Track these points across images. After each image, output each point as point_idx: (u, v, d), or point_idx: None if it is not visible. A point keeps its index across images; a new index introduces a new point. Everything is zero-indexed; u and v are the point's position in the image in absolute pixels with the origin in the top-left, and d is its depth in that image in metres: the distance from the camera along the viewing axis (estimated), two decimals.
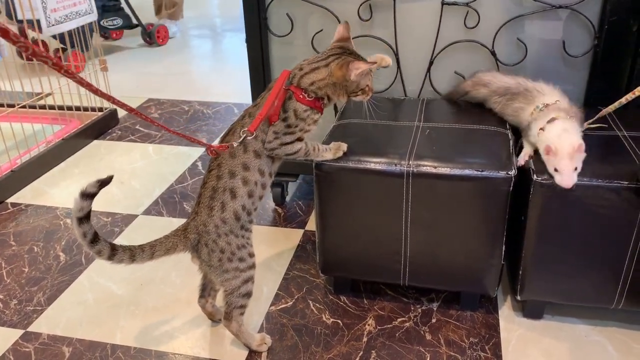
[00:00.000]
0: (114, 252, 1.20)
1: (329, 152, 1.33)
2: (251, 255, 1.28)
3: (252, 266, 1.28)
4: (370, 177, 1.29)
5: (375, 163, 1.29)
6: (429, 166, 1.26)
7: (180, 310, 1.51)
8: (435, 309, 1.48)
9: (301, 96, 1.22)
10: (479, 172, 1.23)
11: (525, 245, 1.31)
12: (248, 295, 1.28)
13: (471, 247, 1.31)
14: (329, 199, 1.35)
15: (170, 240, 1.24)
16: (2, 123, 2.20)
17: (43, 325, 1.46)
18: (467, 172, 1.24)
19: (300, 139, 1.26)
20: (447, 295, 1.51)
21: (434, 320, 1.44)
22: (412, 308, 1.48)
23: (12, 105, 2.28)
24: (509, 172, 1.23)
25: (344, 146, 1.34)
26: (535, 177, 1.24)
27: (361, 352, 1.35)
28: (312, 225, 1.85)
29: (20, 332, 1.44)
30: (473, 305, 1.45)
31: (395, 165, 1.28)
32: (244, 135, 1.19)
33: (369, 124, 1.46)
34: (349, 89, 1.23)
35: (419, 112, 1.50)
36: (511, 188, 1.23)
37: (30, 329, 1.45)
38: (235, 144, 1.20)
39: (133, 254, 1.21)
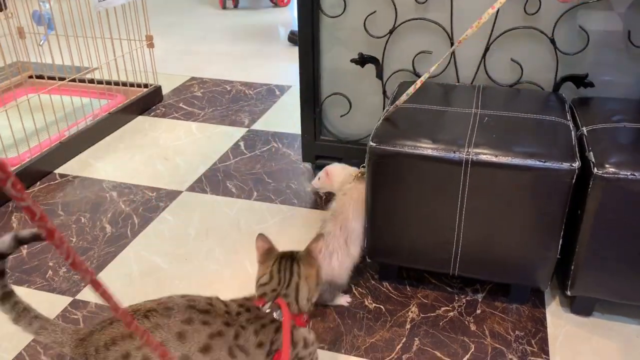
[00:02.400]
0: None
1: None
2: None
3: None
4: (426, 163, 1.27)
5: (432, 149, 1.27)
6: (488, 155, 1.23)
7: (223, 286, 1.52)
8: (480, 300, 1.45)
9: (302, 320, 1.04)
10: (542, 163, 1.20)
11: (580, 239, 1.27)
12: None
13: (527, 239, 1.28)
14: (381, 183, 1.33)
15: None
16: (52, 96, 2.25)
17: (90, 294, 1.49)
18: (529, 162, 1.21)
19: None
20: (493, 286, 1.49)
21: (478, 311, 1.42)
22: (457, 298, 1.46)
23: (62, 79, 2.32)
24: (573, 164, 1.19)
25: None
26: (595, 170, 1.20)
27: (404, 339, 1.34)
28: None
29: (69, 299, 1.48)
30: (522, 298, 1.42)
31: (454, 152, 1.25)
32: None
33: (423, 109, 1.44)
34: (319, 273, 1.08)
35: (476, 99, 1.47)
36: (574, 180, 1.19)
37: (78, 297, 1.49)
38: None
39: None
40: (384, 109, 1.75)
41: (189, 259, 1.63)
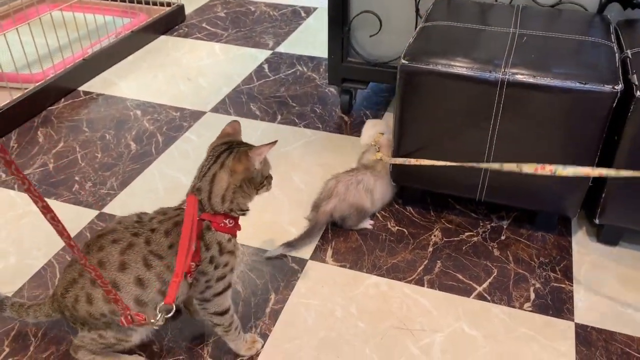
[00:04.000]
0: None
1: (243, 343, 1.11)
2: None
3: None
4: (460, 83, 1.22)
5: (467, 68, 1.22)
6: (526, 75, 1.18)
7: None
8: (505, 226, 1.44)
9: (222, 224, 0.98)
10: (582, 85, 1.14)
11: (615, 166, 1.23)
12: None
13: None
14: (411, 103, 1.29)
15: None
16: (74, 13, 2.20)
17: (116, 208, 1.51)
18: (568, 83, 1.15)
19: (228, 287, 1.04)
20: (518, 214, 1.47)
21: (503, 237, 1.40)
22: (481, 224, 1.45)
23: None
24: (615, 87, 1.13)
25: (259, 345, 1.13)
26: (638, 93, 1.14)
27: (426, 261, 1.34)
28: None
29: (95, 212, 1.50)
30: (549, 226, 1.40)
31: (490, 72, 1.20)
32: (162, 313, 0.93)
33: (458, 27, 1.37)
34: (256, 181, 1.00)
35: (514, 18, 1.39)
36: (615, 104, 1.14)
37: (105, 210, 1.51)
38: (153, 322, 0.94)
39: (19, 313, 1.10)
40: (415, 29, 1.68)
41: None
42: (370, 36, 1.74)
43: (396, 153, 1.39)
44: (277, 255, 1.34)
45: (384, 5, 1.68)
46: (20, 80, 1.92)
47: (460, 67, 1.23)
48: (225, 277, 1.02)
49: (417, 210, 1.49)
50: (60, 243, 1.38)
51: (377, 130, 1.54)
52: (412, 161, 1.31)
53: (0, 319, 1.20)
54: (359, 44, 1.78)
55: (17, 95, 1.86)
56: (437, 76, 1.24)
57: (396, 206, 1.51)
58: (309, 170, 1.65)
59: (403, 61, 1.26)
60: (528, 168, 1.09)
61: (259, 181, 1.01)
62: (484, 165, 1.20)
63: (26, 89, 1.91)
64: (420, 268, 1.32)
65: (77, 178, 1.62)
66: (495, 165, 1.15)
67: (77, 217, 1.48)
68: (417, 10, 1.65)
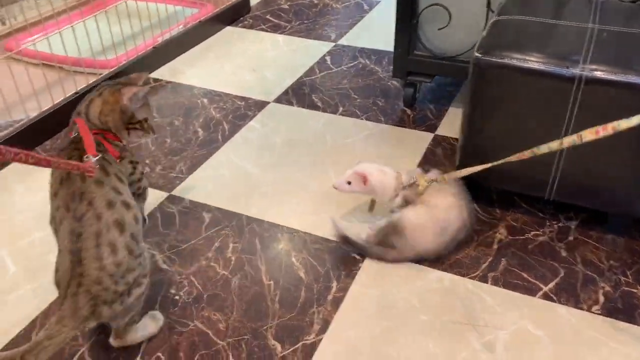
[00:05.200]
0: None
1: None
2: (146, 275, 1.07)
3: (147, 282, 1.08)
4: (534, 78, 1.20)
5: (543, 64, 1.19)
6: (606, 72, 1.14)
7: (308, 195, 1.54)
8: (573, 227, 1.40)
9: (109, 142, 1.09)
10: None
11: None
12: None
13: (637, 167, 1.20)
14: (482, 98, 1.28)
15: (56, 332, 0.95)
16: (147, 3, 2.28)
17: (185, 191, 1.56)
18: None
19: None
20: (587, 215, 1.43)
21: (571, 238, 1.37)
22: (548, 223, 1.42)
23: None
24: None
25: None
26: None
27: (491, 258, 1.33)
28: (444, 129, 1.79)
29: (165, 194, 1.55)
30: (621, 229, 1.36)
31: (567, 68, 1.17)
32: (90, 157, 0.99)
33: (534, 22, 1.34)
34: (124, 118, 1.09)
35: (593, 14, 1.35)
36: None
37: (174, 193, 1.56)
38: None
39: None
40: (486, 23, 1.65)
41: (276, 166, 1.66)
42: (439, 29, 1.72)
43: (462, 150, 1.38)
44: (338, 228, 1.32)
45: None
46: (96, 65, 2.00)
47: (535, 62, 1.20)
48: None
49: (482, 207, 1.47)
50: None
51: (392, 176, 1.35)
52: (463, 172, 1.27)
53: None
54: (426, 37, 1.77)
55: (92, 80, 1.95)
56: (511, 70, 1.22)
57: None
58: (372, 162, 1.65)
59: (476, 54, 1.25)
60: (589, 134, 1.02)
61: (128, 119, 1.11)
62: (543, 148, 1.09)
63: (101, 74, 2.00)
64: (485, 265, 1.31)
65: (147, 161, 1.69)
66: (555, 145, 1.08)
67: (148, 198, 1.53)
68: (489, 4, 1.62)
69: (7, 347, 1.15)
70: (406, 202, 1.33)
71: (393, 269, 1.30)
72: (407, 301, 1.23)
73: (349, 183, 1.34)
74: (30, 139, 1.75)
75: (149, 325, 1.15)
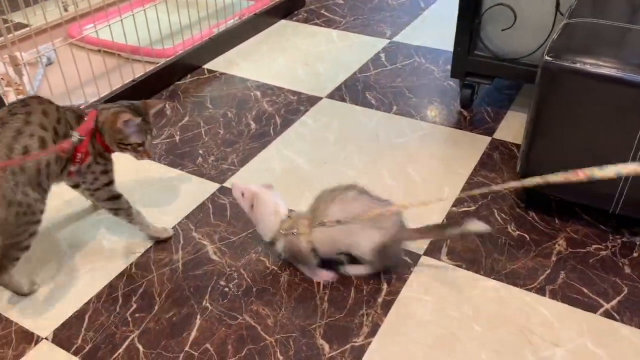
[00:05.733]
0: None
1: (153, 230, 1.37)
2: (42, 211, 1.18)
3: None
4: (609, 85, 1.14)
5: (617, 69, 1.13)
6: None
7: None
8: (638, 243, 1.33)
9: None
10: None
11: None
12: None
13: None
14: (550, 103, 1.22)
15: None
16: None
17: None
18: None
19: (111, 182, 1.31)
20: None
21: (635, 254, 1.30)
22: (611, 237, 1.35)
23: None
24: None
25: (170, 232, 1.39)
26: None
27: (548, 270, 1.27)
28: (502, 134, 1.73)
29: (217, 185, 1.56)
30: None
31: None
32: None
33: (607, 25, 1.27)
34: (117, 137, 1.23)
35: None
36: None
37: (226, 184, 1.56)
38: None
39: None
40: (553, 25, 1.59)
41: (328, 162, 1.64)
42: (502, 30, 1.67)
43: (525, 157, 1.33)
44: None
45: None
46: (153, 54, 2.03)
47: (610, 67, 1.14)
48: (108, 173, 1.28)
49: (541, 216, 1.42)
50: (187, 211, 1.46)
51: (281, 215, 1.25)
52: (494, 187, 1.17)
53: (129, 276, 1.28)
54: (488, 37, 1.71)
55: (150, 68, 1.97)
56: (582, 76, 1.16)
57: (518, 210, 1.44)
58: (426, 163, 1.62)
59: (546, 57, 1.19)
60: None
61: (118, 139, 1.24)
62: (600, 172, 0.93)
63: (158, 63, 2.02)
64: (542, 277, 1.26)
65: (200, 151, 1.70)
66: (611, 171, 0.91)
67: (199, 189, 1.55)
68: (558, 6, 1.56)
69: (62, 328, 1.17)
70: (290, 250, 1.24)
71: (446, 276, 1.27)
72: (460, 310, 1.19)
73: (243, 195, 1.26)
74: None
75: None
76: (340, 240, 1.21)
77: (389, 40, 2.34)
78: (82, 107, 1.29)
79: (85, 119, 1.21)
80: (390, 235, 1.19)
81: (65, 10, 2.40)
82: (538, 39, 1.62)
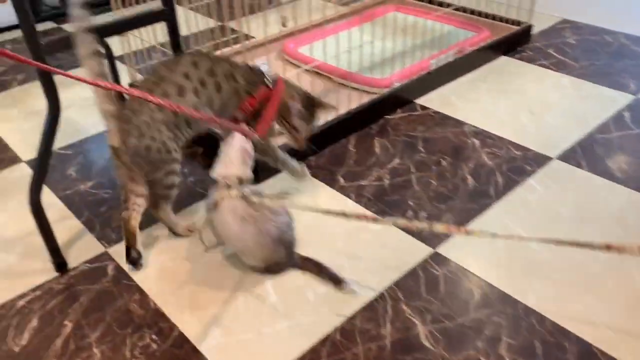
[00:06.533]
0: None
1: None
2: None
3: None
4: None
5: None
6: None
7: (605, 296, 1.24)
8: None
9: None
10: None
11: None
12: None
13: None
14: None
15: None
16: (418, 18, 2.13)
17: (452, 250, 1.37)
18: None
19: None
20: None
21: None
22: None
23: (443, 4, 2.18)
24: None
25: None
26: None
27: None
28: None
29: (430, 250, 1.38)
30: None
31: None
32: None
33: None
34: (283, 111, 1.42)
35: None
36: None
37: (439, 250, 1.38)
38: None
39: None
40: None
41: (563, 247, 1.38)
42: None
43: None
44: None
45: None
46: (368, 83, 1.92)
47: None
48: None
49: None
50: (395, 274, 1.31)
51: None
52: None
53: (333, 344, 1.16)
54: None
55: (363, 97, 1.86)
56: None
57: None
58: None
59: None
60: None
61: (285, 114, 1.41)
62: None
63: (374, 93, 1.90)
64: None
65: (411, 203, 1.54)
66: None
67: (410, 250, 1.38)
68: None
69: None
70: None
71: None
72: None
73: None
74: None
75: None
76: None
77: (634, 96, 1.98)
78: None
79: (270, 85, 1.37)
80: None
81: (284, 25, 2.40)
82: None
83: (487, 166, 1.67)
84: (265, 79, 1.37)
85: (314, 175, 1.64)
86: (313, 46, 2.09)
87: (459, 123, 1.87)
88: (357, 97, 1.87)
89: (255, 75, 1.37)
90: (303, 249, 1.35)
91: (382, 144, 1.79)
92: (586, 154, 1.70)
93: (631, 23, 2.51)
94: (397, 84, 1.94)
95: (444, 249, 1.38)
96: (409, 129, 1.86)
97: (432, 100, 2.02)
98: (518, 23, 2.35)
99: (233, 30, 2.32)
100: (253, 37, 2.32)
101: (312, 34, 2.21)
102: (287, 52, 2.19)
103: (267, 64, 2.01)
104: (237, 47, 2.13)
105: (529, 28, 2.36)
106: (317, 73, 2.01)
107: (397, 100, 1.96)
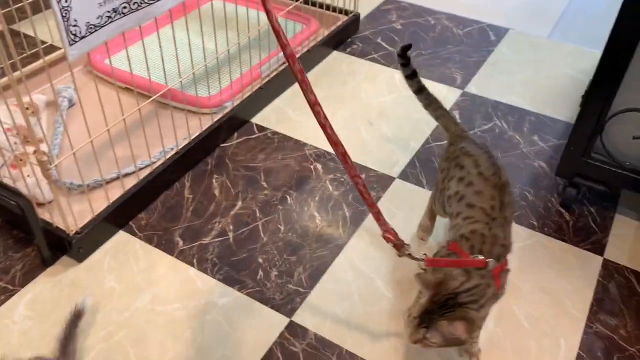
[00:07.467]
0: None
1: None
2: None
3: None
4: None
5: None
6: None
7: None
8: None
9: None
10: None
11: None
12: None
13: None
14: None
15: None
16: (238, 6, 1.94)
17: (307, 317, 1.30)
18: None
19: None
20: None
21: None
22: None
23: None
24: None
25: None
26: None
27: None
28: (614, 253, 1.47)
29: (285, 320, 1.29)
30: None
31: None
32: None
33: None
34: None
35: None
36: None
37: (294, 318, 1.30)
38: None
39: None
40: None
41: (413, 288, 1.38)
42: (634, 138, 1.38)
43: None
44: None
45: None
46: (194, 103, 1.71)
47: None
48: None
49: None
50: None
51: None
52: None
53: None
54: (610, 142, 1.43)
55: (195, 124, 1.66)
56: None
57: None
58: (530, 297, 1.36)
59: None
60: None
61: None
62: None
63: (204, 113, 1.70)
64: None
65: (260, 260, 1.42)
66: None
67: (265, 323, 1.28)
68: None
69: None
70: None
71: None
72: None
73: None
74: None
75: None
76: None
77: (461, 90, 2.03)
78: None
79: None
80: None
81: None
82: None
83: (333, 197, 1.60)
84: None
85: (147, 242, 1.44)
86: (121, 55, 1.80)
87: (299, 145, 1.77)
88: (182, 121, 1.64)
89: None
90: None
91: (221, 183, 1.63)
92: (424, 168, 1.70)
93: (451, 2, 2.55)
94: (228, 103, 1.76)
95: (298, 316, 1.30)
96: (248, 159, 1.71)
97: (269, 117, 1.87)
98: (347, 12, 2.25)
99: (26, 36, 1.91)
100: (46, 42, 1.93)
101: (119, 39, 1.90)
102: (95, 66, 1.87)
103: (72, 87, 1.69)
104: (37, 63, 1.75)
105: (357, 17, 2.28)
106: (130, 90, 1.71)
107: (232, 123, 1.78)
